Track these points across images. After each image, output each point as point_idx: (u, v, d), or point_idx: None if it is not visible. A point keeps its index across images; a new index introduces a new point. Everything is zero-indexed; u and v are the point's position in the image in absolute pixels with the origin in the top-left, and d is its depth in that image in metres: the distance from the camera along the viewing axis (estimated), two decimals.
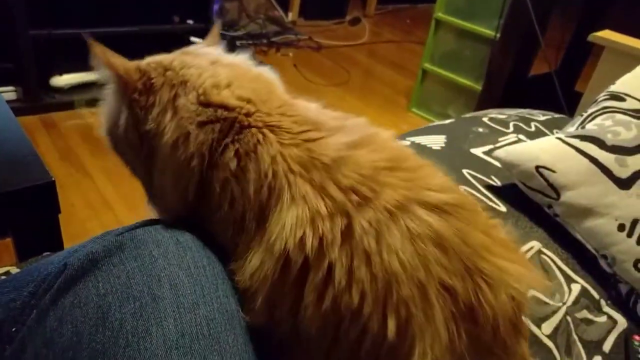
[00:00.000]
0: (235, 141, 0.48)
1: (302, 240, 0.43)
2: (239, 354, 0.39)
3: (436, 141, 1.10)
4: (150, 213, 0.59)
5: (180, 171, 0.49)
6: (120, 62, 0.52)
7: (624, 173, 0.84)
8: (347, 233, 0.44)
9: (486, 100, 2.07)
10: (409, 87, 2.73)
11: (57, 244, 0.90)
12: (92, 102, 2.28)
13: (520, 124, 1.23)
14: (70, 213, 1.61)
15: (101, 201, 1.70)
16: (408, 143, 1.09)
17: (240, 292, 0.46)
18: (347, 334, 0.43)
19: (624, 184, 0.84)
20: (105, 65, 0.52)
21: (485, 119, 1.25)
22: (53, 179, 0.81)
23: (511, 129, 1.20)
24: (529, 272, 0.48)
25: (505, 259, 0.46)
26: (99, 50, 0.51)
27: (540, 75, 2.17)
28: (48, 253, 0.72)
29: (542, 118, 1.31)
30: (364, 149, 0.49)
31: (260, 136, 0.48)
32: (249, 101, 0.50)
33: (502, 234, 0.50)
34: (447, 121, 1.27)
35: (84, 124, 2.19)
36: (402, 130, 2.38)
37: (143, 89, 0.52)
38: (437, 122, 1.26)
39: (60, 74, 2.33)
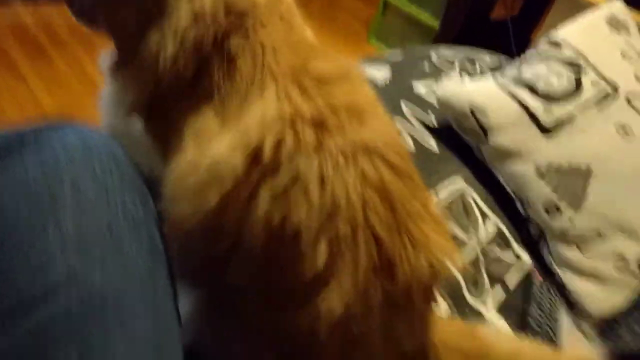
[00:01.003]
0: (242, 37, 0.48)
1: (281, 139, 0.44)
2: (142, 262, 0.39)
3: (381, 72, 1.09)
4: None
5: (193, 42, 0.47)
6: None
7: (548, 120, 0.87)
8: (318, 149, 0.44)
9: (442, 40, 2.04)
10: (370, 16, 2.65)
11: None
12: None
13: (466, 64, 1.23)
14: (0, 121, 1.52)
15: (34, 105, 1.61)
16: None
17: (182, 193, 0.45)
18: (283, 258, 0.44)
19: (547, 130, 0.87)
20: None
21: (432, 54, 1.24)
22: None
23: (457, 68, 1.20)
24: (450, 245, 0.50)
25: (433, 230, 0.49)
26: None
27: (499, 20, 2.15)
28: None
29: (488, 60, 1.31)
30: (351, 84, 0.50)
31: (259, 39, 0.48)
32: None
33: (435, 209, 0.52)
34: (394, 53, 1.25)
35: (18, 22, 2.02)
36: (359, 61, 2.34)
37: None
38: (384, 54, 1.24)
39: None
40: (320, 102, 0.46)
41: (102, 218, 0.39)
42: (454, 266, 0.50)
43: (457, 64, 1.21)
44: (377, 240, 0.45)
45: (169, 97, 0.50)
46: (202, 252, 0.48)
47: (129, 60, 0.50)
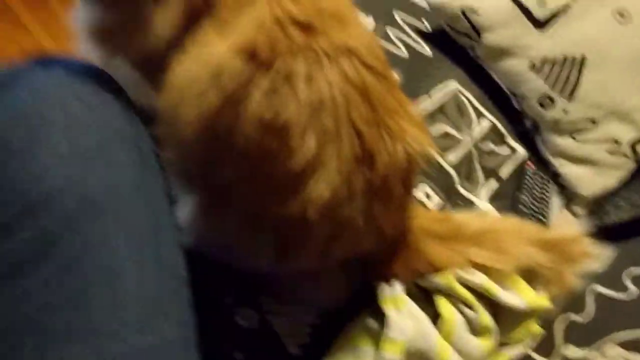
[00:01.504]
0: None
1: (274, 39, 0.48)
2: (132, 169, 0.44)
3: None
4: None
5: None
6: None
7: (542, 13, 0.87)
8: (306, 49, 0.48)
9: None
10: None
11: None
12: None
13: None
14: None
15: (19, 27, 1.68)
16: None
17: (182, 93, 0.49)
18: (275, 150, 0.49)
19: (541, 24, 0.87)
20: None
21: None
22: None
23: None
24: (425, 135, 0.55)
25: (408, 123, 0.54)
26: None
27: None
28: None
29: None
30: None
31: None
32: None
33: (410, 107, 0.57)
34: None
35: None
36: None
37: None
38: None
39: None
40: (307, 5, 0.50)
41: (91, 134, 0.43)
42: (428, 153, 0.55)
43: None
44: (358, 133, 0.50)
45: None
46: (200, 156, 0.53)
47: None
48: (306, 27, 0.49)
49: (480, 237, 0.65)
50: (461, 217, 0.68)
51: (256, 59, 0.47)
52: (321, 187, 0.50)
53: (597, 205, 0.85)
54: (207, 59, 0.49)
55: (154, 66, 0.51)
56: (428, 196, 0.77)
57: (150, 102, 0.53)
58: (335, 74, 0.49)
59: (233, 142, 0.50)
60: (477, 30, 0.90)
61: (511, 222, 0.70)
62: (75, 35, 0.55)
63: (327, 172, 0.50)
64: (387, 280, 0.61)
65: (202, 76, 0.48)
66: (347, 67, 0.50)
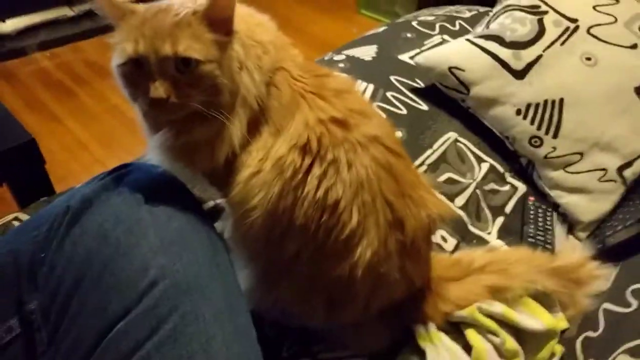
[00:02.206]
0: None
1: (322, 135, 0.60)
2: (206, 250, 0.56)
3: (368, 52, 1.22)
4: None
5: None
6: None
7: (519, 65, 0.99)
8: (344, 141, 0.61)
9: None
10: None
11: (48, 189, 1.04)
12: (45, 45, 2.29)
13: (446, 24, 1.34)
14: (51, 158, 1.71)
15: (76, 143, 1.81)
16: (343, 57, 1.21)
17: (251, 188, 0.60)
18: (326, 223, 0.60)
19: (520, 74, 0.99)
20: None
21: (414, 23, 1.36)
22: (32, 137, 0.93)
23: (437, 30, 1.31)
24: (441, 203, 0.69)
25: (426, 193, 0.67)
26: None
27: None
28: (45, 198, 0.87)
29: (467, 15, 1.42)
30: (354, 94, 0.67)
31: (286, 73, 0.63)
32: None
33: (425, 180, 0.70)
34: (380, 29, 1.37)
35: (40, 69, 2.21)
36: (352, 33, 2.45)
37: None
38: (370, 32, 1.36)
39: (4, 19, 2.30)
40: (340, 107, 0.62)
41: (173, 227, 0.55)
42: (447, 215, 0.68)
43: (437, 27, 1.33)
44: (389, 204, 0.62)
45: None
46: (264, 235, 0.62)
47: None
48: (342, 124, 0.62)
49: (489, 267, 0.76)
50: (471, 254, 0.79)
51: (308, 152, 0.60)
52: (365, 250, 0.61)
53: (598, 229, 0.94)
54: (270, 156, 0.60)
55: (223, 171, 0.62)
56: (445, 239, 0.87)
57: (210, 197, 0.65)
58: (368, 158, 0.61)
59: (293, 220, 0.60)
60: (465, 85, 1.02)
61: (520, 252, 0.80)
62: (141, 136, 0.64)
63: (369, 237, 0.61)
64: (421, 322, 0.71)
65: (267, 170, 0.60)
66: (376, 151, 0.62)
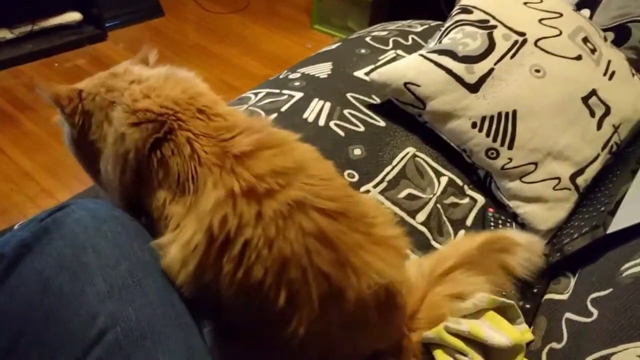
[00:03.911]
0: (166, 140, 0.60)
1: (224, 218, 0.55)
2: (160, 291, 0.52)
3: (323, 69, 1.21)
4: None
5: (120, 161, 0.62)
6: (57, 90, 0.66)
7: (472, 79, 1.01)
8: (258, 217, 0.55)
9: (378, 9, 2.16)
10: (309, 3, 2.75)
11: None
12: None
13: (399, 39, 1.35)
14: None
15: (19, 172, 1.71)
16: (298, 75, 1.20)
17: (173, 264, 0.56)
18: (253, 301, 0.56)
19: (473, 88, 1.00)
20: (48, 95, 0.66)
21: (368, 39, 1.36)
22: None
23: (390, 45, 1.32)
24: (390, 268, 0.60)
25: (374, 255, 0.59)
26: (43, 85, 0.66)
27: None
28: None
29: (419, 29, 1.44)
30: (272, 149, 0.60)
31: (183, 138, 0.60)
32: (172, 109, 0.61)
33: (385, 231, 0.63)
34: (334, 46, 1.37)
35: None
36: (306, 49, 2.45)
37: (72, 113, 0.67)
38: (324, 49, 1.36)
39: None
40: (245, 175, 0.56)
41: (122, 269, 0.51)
42: (391, 282, 0.60)
43: (390, 42, 1.34)
44: (324, 275, 0.56)
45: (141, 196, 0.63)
46: (200, 302, 0.59)
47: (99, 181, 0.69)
48: (251, 194, 0.56)
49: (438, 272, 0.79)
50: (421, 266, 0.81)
51: (214, 237, 0.55)
52: (297, 326, 0.56)
53: (555, 237, 0.96)
54: (179, 237, 0.57)
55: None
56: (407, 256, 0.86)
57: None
58: (292, 230, 0.55)
59: (221, 297, 0.57)
60: (421, 100, 1.02)
61: (457, 248, 0.84)
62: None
63: (302, 313, 0.56)
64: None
65: (177, 250, 0.57)
66: (302, 220, 0.56)
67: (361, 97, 1.12)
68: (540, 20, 1.08)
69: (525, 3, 1.12)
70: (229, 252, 0.55)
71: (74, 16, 2.40)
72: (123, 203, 0.65)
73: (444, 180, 1.01)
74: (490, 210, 1.00)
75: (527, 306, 0.85)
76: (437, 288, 0.77)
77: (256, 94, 1.16)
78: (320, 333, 0.58)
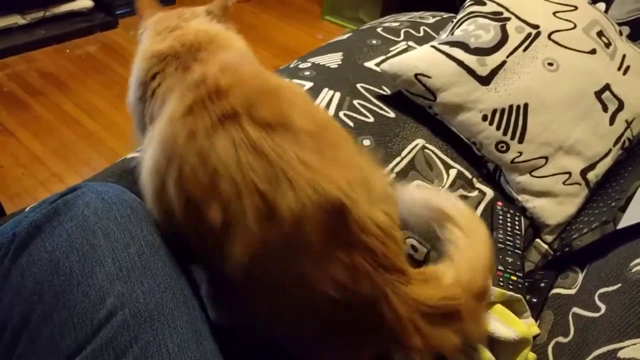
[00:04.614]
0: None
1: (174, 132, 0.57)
2: (168, 274, 0.52)
3: (334, 59, 1.20)
4: None
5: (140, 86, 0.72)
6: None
7: (484, 71, 1.00)
8: (191, 136, 0.55)
9: (389, 0, 2.14)
10: None
11: None
12: None
13: (411, 31, 1.34)
14: (2, 175, 1.63)
15: (31, 157, 1.72)
16: (309, 65, 1.19)
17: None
18: (192, 213, 0.55)
19: (485, 80, 1.00)
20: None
21: (379, 30, 1.35)
22: None
23: (402, 36, 1.31)
24: (336, 187, 0.52)
25: (320, 174, 0.52)
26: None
27: None
28: None
29: (431, 21, 1.42)
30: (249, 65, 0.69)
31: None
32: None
33: (348, 155, 0.60)
34: (345, 36, 1.36)
35: None
36: (317, 40, 2.44)
37: None
38: (335, 39, 1.35)
39: None
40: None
41: (131, 251, 0.51)
42: (338, 202, 0.52)
43: (402, 33, 1.33)
44: (259, 192, 0.51)
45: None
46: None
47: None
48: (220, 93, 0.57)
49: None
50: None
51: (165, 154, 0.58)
52: (237, 249, 0.52)
53: (564, 232, 0.95)
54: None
55: None
56: (415, 249, 0.86)
57: None
58: (224, 142, 0.53)
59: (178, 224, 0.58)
60: (431, 92, 1.02)
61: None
62: None
63: (238, 230, 0.52)
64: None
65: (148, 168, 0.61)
66: (234, 133, 0.53)
67: (371, 87, 1.11)
68: (554, 13, 1.07)
69: None
70: (170, 173, 0.56)
71: (85, 3, 2.41)
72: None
73: (453, 173, 1.01)
74: (499, 203, 0.99)
75: (534, 300, 0.85)
76: None
77: None
78: (263, 259, 0.53)
